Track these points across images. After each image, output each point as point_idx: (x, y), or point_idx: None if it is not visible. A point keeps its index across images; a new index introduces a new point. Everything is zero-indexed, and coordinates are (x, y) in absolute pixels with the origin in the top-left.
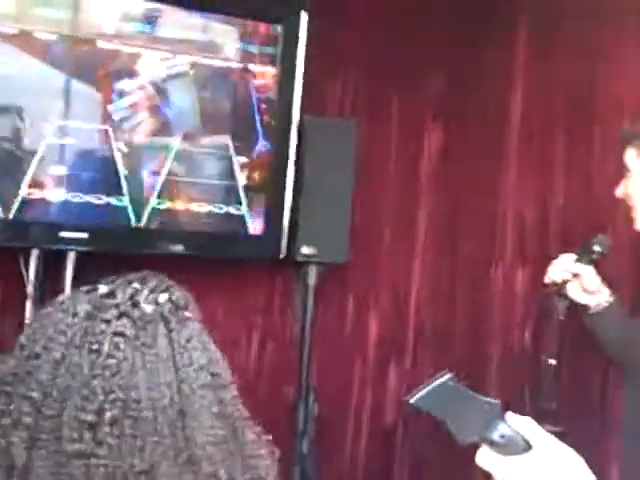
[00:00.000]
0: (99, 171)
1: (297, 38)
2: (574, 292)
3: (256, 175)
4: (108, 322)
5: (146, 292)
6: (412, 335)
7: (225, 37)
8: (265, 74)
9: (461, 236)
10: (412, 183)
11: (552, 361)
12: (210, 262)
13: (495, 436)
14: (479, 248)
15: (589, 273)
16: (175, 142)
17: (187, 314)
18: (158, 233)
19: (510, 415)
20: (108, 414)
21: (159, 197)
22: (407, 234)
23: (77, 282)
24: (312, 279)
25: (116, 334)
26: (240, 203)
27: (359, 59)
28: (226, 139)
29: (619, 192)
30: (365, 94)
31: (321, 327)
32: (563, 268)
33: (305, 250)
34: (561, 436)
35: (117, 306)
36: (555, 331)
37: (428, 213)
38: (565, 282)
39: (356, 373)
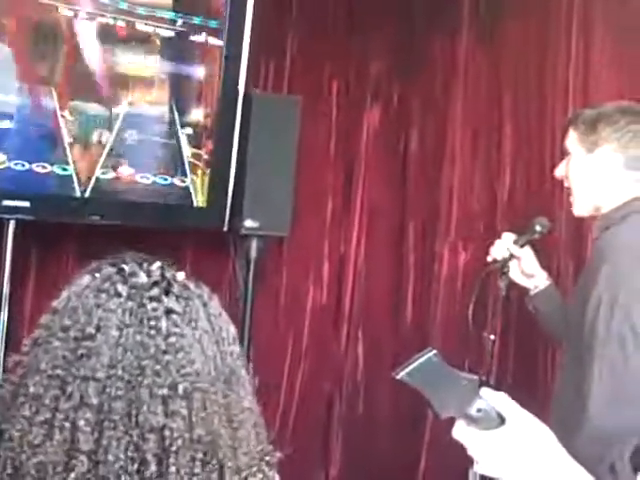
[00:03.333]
0: (44, 139)
1: (244, 12)
2: (514, 274)
3: (201, 148)
4: (158, 300)
5: (163, 269)
6: (350, 307)
7: (170, 7)
8: (211, 47)
9: (404, 213)
10: (352, 160)
11: (492, 337)
12: (154, 233)
13: (472, 411)
14: (422, 224)
15: (527, 255)
16: (121, 111)
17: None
18: (102, 203)
19: (485, 390)
20: (181, 387)
21: (104, 167)
22: (347, 209)
23: (18, 251)
24: (253, 252)
25: (169, 311)
26: (185, 175)
27: (302, 36)
28: (172, 110)
29: (558, 172)
30: (306, 71)
31: (262, 298)
32: (504, 246)
33: (248, 223)
34: None
35: (156, 283)
36: (497, 308)
37: (367, 189)
38: (505, 260)
39: (295, 343)
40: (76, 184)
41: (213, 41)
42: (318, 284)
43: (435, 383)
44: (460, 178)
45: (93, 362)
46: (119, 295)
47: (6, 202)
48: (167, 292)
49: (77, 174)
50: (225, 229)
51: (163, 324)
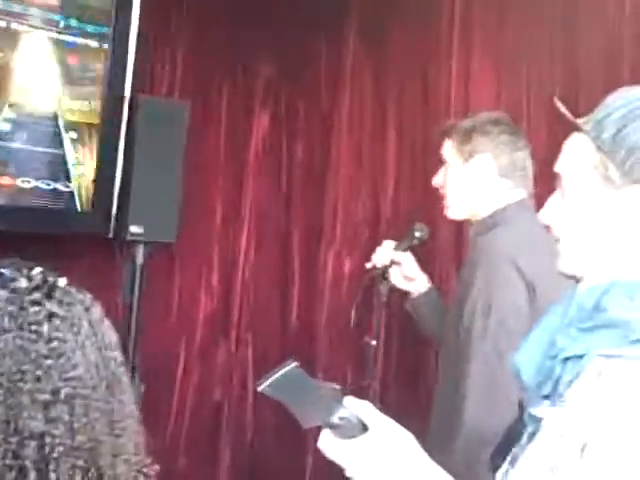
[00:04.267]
0: None
1: (130, 15)
2: (395, 278)
3: (86, 152)
4: (40, 304)
5: (44, 274)
6: (239, 314)
7: (57, 10)
8: (97, 50)
9: (290, 219)
10: (241, 166)
11: (373, 342)
12: (37, 239)
13: (335, 419)
14: (307, 231)
15: (408, 260)
16: (3, 113)
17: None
18: None
19: (348, 399)
20: (63, 392)
21: None
22: (235, 215)
23: None
24: (140, 258)
25: (51, 315)
26: (69, 180)
27: (190, 40)
28: (55, 113)
29: (435, 181)
30: (195, 75)
31: (149, 306)
32: (383, 254)
33: (134, 229)
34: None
35: (37, 288)
36: (378, 313)
37: (256, 196)
38: (386, 267)
39: (183, 351)
40: None
41: (98, 44)
42: (207, 290)
43: (297, 394)
44: (345, 185)
45: None
46: None
47: None
48: (49, 296)
49: None
50: (110, 235)
51: (45, 328)
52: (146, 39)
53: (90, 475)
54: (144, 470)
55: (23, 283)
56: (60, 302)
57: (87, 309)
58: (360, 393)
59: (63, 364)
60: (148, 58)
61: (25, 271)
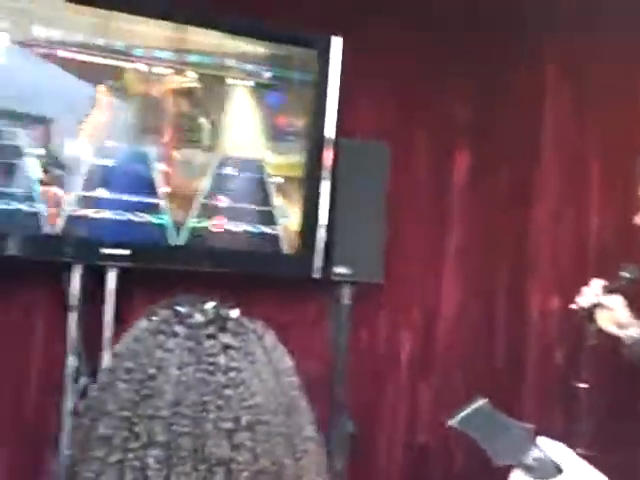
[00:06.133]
0: (140, 190)
1: (329, 62)
2: (604, 322)
3: (291, 196)
4: (214, 337)
5: (217, 307)
6: (443, 354)
7: (259, 60)
8: (299, 97)
9: (493, 259)
10: (442, 207)
11: (583, 385)
12: (245, 280)
13: (528, 460)
14: (512, 271)
15: (617, 304)
16: (213, 163)
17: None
18: (196, 251)
19: (542, 439)
20: (244, 420)
21: (197, 216)
22: (439, 254)
23: (118, 298)
24: (346, 298)
25: (226, 347)
26: (275, 223)
27: (389, 84)
28: (261, 161)
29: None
30: (394, 118)
31: (354, 346)
32: (590, 294)
33: (339, 269)
34: (594, 460)
35: (211, 322)
36: (587, 355)
37: (458, 236)
38: (593, 307)
39: (389, 391)
40: (171, 232)
41: (302, 91)
42: (412, 330)
43: (488, 431)
44: (548, 218)
45: (157, 401)
46: (176, 335)
47: (106, 250)
48: (222, 329)
49: (172, 223)
50: (316, 276)
51: (221, 360)
52: (346, 84)
53: None
54: None
55: (198, 318)
56: (234, 333)
57: (260, 337)
58: (553, 435)
59: (242, 393)
60: (349, 101)
61: (199, 306)
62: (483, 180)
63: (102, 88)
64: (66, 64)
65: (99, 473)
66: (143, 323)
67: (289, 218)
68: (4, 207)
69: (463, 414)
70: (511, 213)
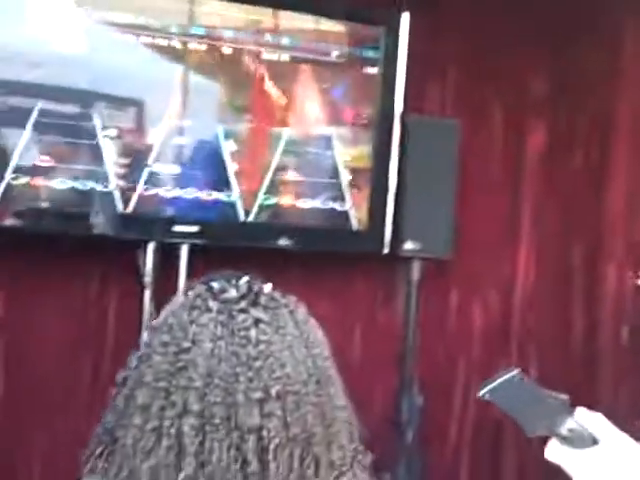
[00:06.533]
0: (209, 168)
1: (398, 38)
2: None
3: (360, 172)
4: (246, 312)
5: (250, 283)
6: (517, 329)
7: (330, 39)
8: (367, 75)
9: (568, 233)
10: (515, 181)
11: None
12: (314, 256)
13: (563, 431)
14: (589, 246)
15: None
16: (282, 140)
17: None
18: (265, 227)
19: (580, 410)
20: (274, 390)
21: (266, 193)
22: (512, 230)
23: (190, 274)
24: (415, 274)
25: (257, 321)
26: (344, 199)
27: (460, 59)
28: (330, 137)
29: None
30: (466, 94)
31: (424, 321)
32: None
33: (409, 245)
34: None
35: (244, 297)
36: None
37: (532, 211)
38: None
39: (460, 366)
40: (240, 209)
41: (370, 69)
42: (484, 306)
43: (520, 402)
44: (624, 197)
45: (191, 373)
46: (210, 310)
47: (177, 227)
48: (254, 303)
49: (241, 200)
50: (385, 252)
51: (252, 333)
52: (415, 59)
53: (307, 462)
54: (359, 458)
55: (232, 293)
56: (265, 307)
57: (292, 312)
58: (590, 406)
59: (272, 364)
60: (418, 77)
61: (233, 282)
62: (557, 154)
63: (177, 68)
64: (145, 46)
65: (137, 439)
66: (179, 299)
67: (359, 194)
68: (80, 187)
69: (493, 385)
70: (586, 188)
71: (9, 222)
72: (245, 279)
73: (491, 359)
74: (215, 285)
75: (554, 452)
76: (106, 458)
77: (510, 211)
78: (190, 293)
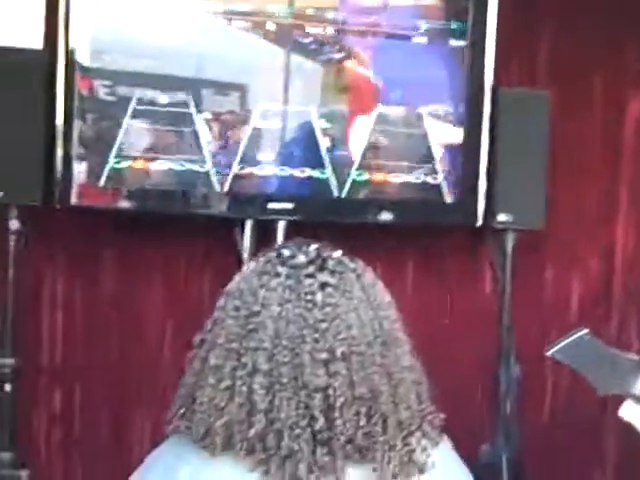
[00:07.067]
0: (303, 146)
1: (487, 9)
2: None
3: (452, 145)
4: (313, 276)
5: (320, 249)
6: (616, 301)
7: (418, 13)
8: (456, 47)
9: None
10: (612, 151)
11: None
12: (408, 230)
13: (637, 390)
14: None
15: None
16: (373, 116)
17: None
18: (358, 203)
19: None
20: (339, 351)
21: (359, 169)
22: (610, 201)
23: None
24: (509, 245)
25: (323, 285)
26: (436, 173)
27: (551, 30)
28: (421, 111)
29: None
30: (558, 65)
31: (518, 292)
32: None
33: (502, 217)
34: None
35: (311, 262)
36: None
37: (632, 181)
38: None
39: (556, 337)
40: (333, 186)
41: (458, 41)
42: (582, 278)
43: (590, 361)
44: None
45: (261, 335)
46: (279, 275)
47: (273, 205)
48: (322, 268)
49: (334, 177)
50: (478, 224)
51: (319, 297)
52: (505, 30)
53: (374, 420)
54: (429, 418)
55: (300, 259)
56: (332, 272)
57: (359, 276)
58: None
59: (337, 326)
60: (507, 49)
61: (303, 248)
62: None
63: (275, 51)
64: (244, 30)
65: (212, 398)
66: (250, 265)
67: (451, 167)
68: (179, 168)
69: (562, 344)
70: None
71: (116, 204)
72: (314, 246)
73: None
74: (285, 252)
75: (630, 411)
76: (188, 417)
77: (607, 180)
78: (261, 259)
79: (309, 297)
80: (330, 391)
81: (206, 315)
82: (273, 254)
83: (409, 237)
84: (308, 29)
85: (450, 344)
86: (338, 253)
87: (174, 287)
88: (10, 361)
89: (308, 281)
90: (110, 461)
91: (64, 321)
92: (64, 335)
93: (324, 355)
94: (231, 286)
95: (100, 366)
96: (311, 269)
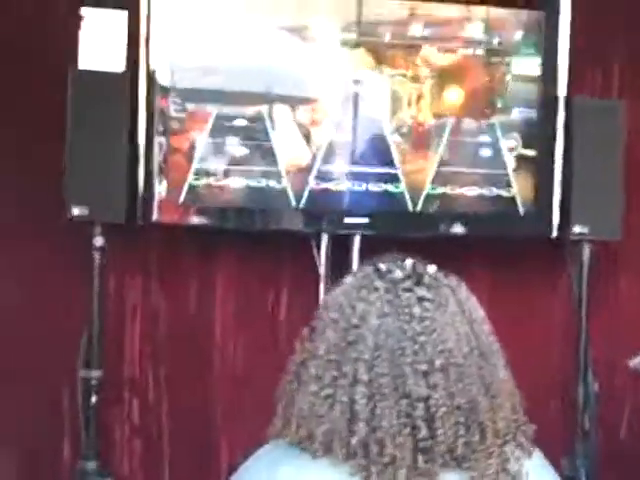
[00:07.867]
0: (377, 161)
1: (558, 21)
2: None
3: (525, 158)
4: (410, 290)
5: (415, 264)
6: None
7: (489, 26)
8: (529, 60)
9: None
10: None
11: None
12: (482, 243)
13: None
14: None
15: None
16: (446, 131)
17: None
18: (432, 217)
19: None
20: (437, 363)
21: (433, 183)
22: None
23: (362, 263)
24: (585, 257)
25: (420, 299)
26: (510, 186)
27: (626, 39)
28: (493, 124)
29: None
30: (631, 74)
31: (595, 304)
32: None
33: (577, 229)
34: None
35: (408, 277)
36: None
37: None
38: None
39: (635, 350)
40: (408, 200)
41: (530, 54)
42: None
43: None
44: None
45: (361, 346)
46: (377, 289)
47: (348, 219)
48: (418, 283)
49: (408, 191)
50: (553, 236)
51: (416, 310)
52: (577, 40)
53: (473, 429)
54: (522, 428)
55: (397, 274)
56: (428, 287)
57: (453, 290)
58: None
59: (435, 339)
60: (580, 59)
61: (399, 263)
62: None
63: (347, 65)
64: (314, 45)
65: (312, 405)
66: (348, 279)
67: (525, 179)
68: (256, 185)
69: None
70: None
71: (194, 220)
72: (410, 261)
73: None
74: (382, 266)
75: None
76: (287, 423)
77: None
78: (358, 274)
79: (407, 310)
80: (432, 401)
81: (284, 328)
82: (370, 269)
83: (483, 249)
84: (378, 42)
85: (527, 356)
86: (433, 268)
87: (251, 301)
88: (97, 373)
89: (406, 295)
90: (196, 472)
91: (146, 334)
92: (145, 348)
93: (424, 367)
94: (329, 299)
95: (180, 378)
96: (408, 283)
